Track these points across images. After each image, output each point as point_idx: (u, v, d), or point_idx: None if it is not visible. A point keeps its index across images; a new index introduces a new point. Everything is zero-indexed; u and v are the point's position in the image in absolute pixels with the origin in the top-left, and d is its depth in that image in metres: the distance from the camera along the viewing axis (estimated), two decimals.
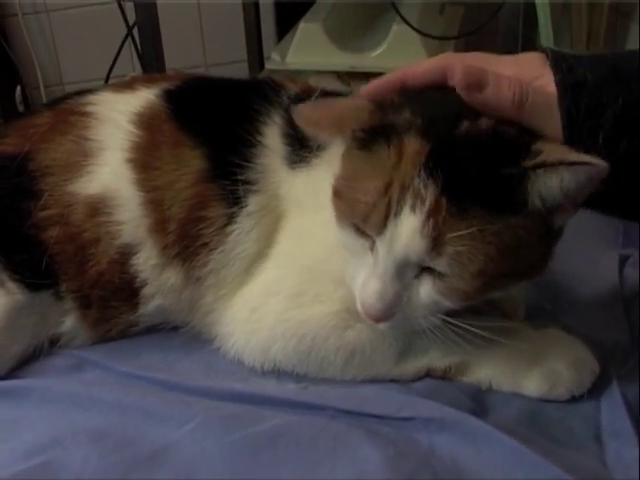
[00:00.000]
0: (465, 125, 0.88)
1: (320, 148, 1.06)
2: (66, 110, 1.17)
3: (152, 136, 1.10)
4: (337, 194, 0.94)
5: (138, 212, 1.08)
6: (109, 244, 1.08)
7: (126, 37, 2.45)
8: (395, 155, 0.88)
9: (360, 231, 0.92)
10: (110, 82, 2.44)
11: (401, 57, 2.01)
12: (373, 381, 1.06)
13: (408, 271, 0.90)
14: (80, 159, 1.11)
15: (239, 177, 1.07)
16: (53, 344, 1.14)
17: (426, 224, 0.86)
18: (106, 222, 1.08)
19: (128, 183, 1.09)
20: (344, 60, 2.16)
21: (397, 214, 0.87)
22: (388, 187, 0.87)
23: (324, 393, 1.03)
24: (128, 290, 1.10)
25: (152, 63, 2.08)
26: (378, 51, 2.14)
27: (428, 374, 1.06)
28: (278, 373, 1.08)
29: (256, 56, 2.63)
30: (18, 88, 2.74)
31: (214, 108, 1.13)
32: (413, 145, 0.87)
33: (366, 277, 0.92)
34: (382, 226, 0.88)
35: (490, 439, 0.91)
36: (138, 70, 2.56)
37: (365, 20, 2.31)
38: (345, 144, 0.95)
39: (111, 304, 1.11)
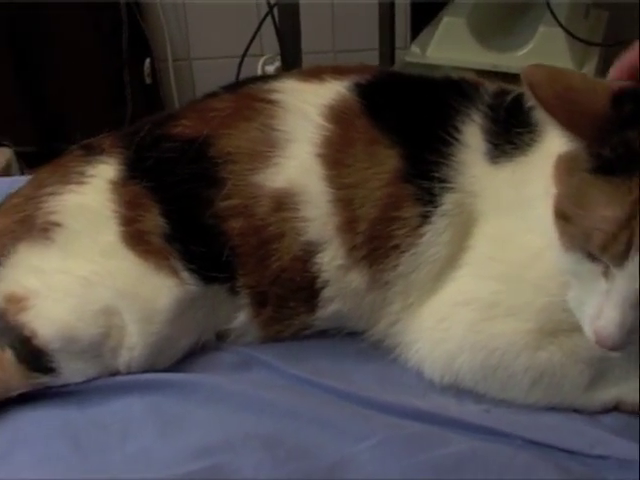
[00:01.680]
0: None
1: (528, 144, 0.99)
2: (249, 96, 1.11)
3: (344, 131, 1.04)
4: (563, 216, 0.86)
5: (326, 209, 1.02)
6: (293, 240, 1.02)
7: (266, 15, 2.41)
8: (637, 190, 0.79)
9: (592, 257, 0.84)
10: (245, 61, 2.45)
11: (546, 58, 1.88)
12: (554, 409, 0.98)
13: None
14: (265, 149, 1.05)
15: (435, 174, 1.00)
16: (219, 339, 1.09)
17: None
18: (292, 217, 1.02)
19: (317, 179, 1.03)
20: (486, 58, 2.09)
21: None
22: (630, 219, 0.79)
23: (509, 419, 0.96)
24: (308, 290, 1.04)
25: (290, 44, 2.05)
26: (523, 51, 2.07)
27: (616, 407, 0.98)
28: (456, 391, 1.01)
29: (388, 45, 2.56)
30: (147, 60, 2.78)
31: (408, 105, 1.06)
32: None
33: (600, 305, 0.84)
34: (624, 258, 0.80)
35: None
36: (268, 50, 2.53)
37: (509, 18, 2.24)
38: (567, 146, 0.87)
39: (288, 304, 1.05)
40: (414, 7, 2.67)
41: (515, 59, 2.05)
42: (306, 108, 1.07)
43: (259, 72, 2.53)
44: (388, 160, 1.02)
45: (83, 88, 2.73)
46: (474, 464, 0.89)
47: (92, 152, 1.12)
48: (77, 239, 1.05)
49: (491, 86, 1.08)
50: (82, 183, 1.08)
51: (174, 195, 1.05)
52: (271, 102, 1.08)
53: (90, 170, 1.09)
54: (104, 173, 1.08)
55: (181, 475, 0.88)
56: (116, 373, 1.02)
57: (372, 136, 1.03)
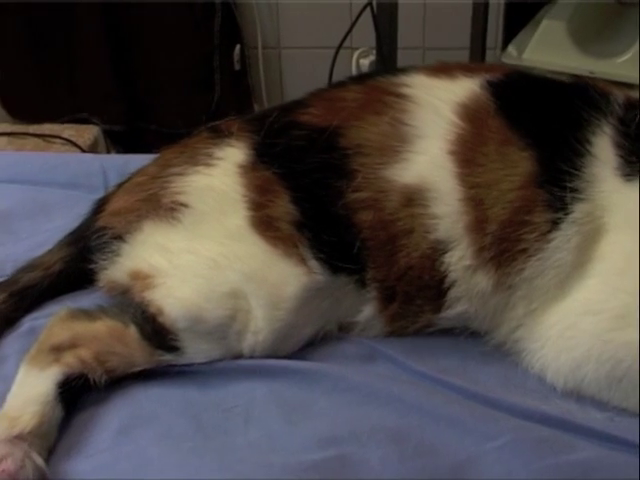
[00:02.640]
0: None
1: None
2: (379, 88, 1.10)
3: (478, 130, 1.03)
4: None
5: (456, 208, 1.01)
6: (422, 237, 1.02)
7: (364, 9, 2.38)
8: None
9: None
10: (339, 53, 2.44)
11: None
12: None
13: None
14: (396, 143, 1.04)
15: (567, 184, 0.99)
16: (340, 330, 1.08)
17: None
18: (421, 214, 1.02)
19: (449, 176, 1.02)
20: (584, 64, 2.04)
21: None
22: None
23: (634, 428, 0.93)
24: (435, 289, 1.03)
25: (387, 38, 2.07)
26: (623, 58, 2.02)
27: None
28: (578, 397, 0.99)
29: (479, 45, 2.52)
30: (238, 47, 2.79)
31: (540, 108, 1.05)
32: None
33: None
34: None
35: None
36: (358, 43, 2.51)
37: (610, 24, 2.18)
38: None
39: (415, 302, 1.04)
40: (508, 7, 2.64)
41: (614, 66, 2.01)
42: (438, 104, 1.06)
43: (353, 65, 2.52)
44: (521, 163, 1.01)
45: (173, 71, 2.75)
46: (601, 473, 0.87)
47: (220, 135, 1.12)
48: (204, 221, 1.05)
49: (619, 95, 1.07)
50: (210, 165, 1.09)
51: (304, 183, 1.05)
52: (401, 96, 1.08)
53: (218, 153, 1.10)
54: (233, 156, 1.08)
55: (308, 463, 0.88)
56: (239, 356, 1.03)
57: (505, 137, 1.02)
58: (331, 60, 2.44)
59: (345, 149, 1.05)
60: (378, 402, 0.95)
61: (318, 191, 1.04)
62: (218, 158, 1.09)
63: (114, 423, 0.97)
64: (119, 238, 1.08)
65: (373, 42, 2.32)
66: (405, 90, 1.08)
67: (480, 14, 2.48)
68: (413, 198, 1.02)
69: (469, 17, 2.45)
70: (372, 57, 2.43)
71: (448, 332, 1.06)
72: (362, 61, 2.50)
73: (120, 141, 2.81)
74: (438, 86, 1.08)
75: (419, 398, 0.95)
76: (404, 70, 1.14)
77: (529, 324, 1.02)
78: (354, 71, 2.51)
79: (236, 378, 1.01)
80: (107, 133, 2.74)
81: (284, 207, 1.04)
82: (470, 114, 1.04)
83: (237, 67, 2.81)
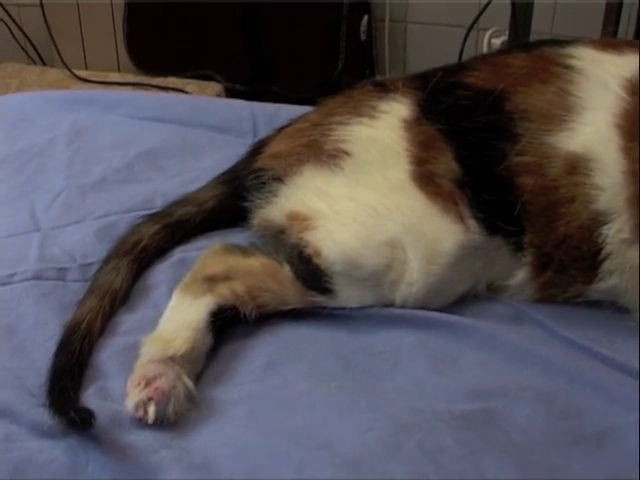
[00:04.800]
0: None
1: None
2: (546, 58, 1.11)
3: None
4: None
5: (619, 180, 1.00)
6: (583, 207, 1.02)
7: None
8: None
9: None
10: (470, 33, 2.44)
11: None
12: None
13: None
14: (561, 112, 1.05)
15: None
16: (490, 292, 1.09)
17: None
18: (584, 183, 1.01)
19: (614, 149, 1.01)
20: None
21: None
22: None
23: None
24: (590, 261, 1.03)
25: (522, 20, 2.07)
26: None
27: None
28: None
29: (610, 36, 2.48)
30: (365, 18, 2.79)
31: None
32: None
33: None
34: None
35: None
36: (490, 24, 2.50)
37: None
38: None
39: (569, 271, 1.04)
40: None
41: None
42: (606, 78, 1.06)
43: (485, 44, 2.51)
44: None
45: (300, 36, 2.77)
46: None
47: (385, 89, 1.14)
48: (366, 170, 1.07)
49: None
50: (374, 117, 1.10)
51: (469, 142, 1.06)
52: (569, 67, 1.08)
53: (383, 106, 1.11)
54: (397, 111, 1.10)
55: (456, 412, 0.89)
56: (390, 306, 1.04)
57: None
58: (454, 38, 2.46)
59: (510, 113, 1.05)
60: (526, 362, 0.96)
61: (481, 151, 1.05)
62: (382, 111, 1.11)
63: (261, 357, 1.00)
64: (278, 180, 1.11)
65: (501, 23, 2.31)
66: (572, 62, 1.08)
67: (613, 11, 2.44)
68: (577, 167, 1.02)
69: (601, 11, 2.42)
70: (504, 37, 2.42)
71: (595, 304, 1.06)
72: (494, 41, 2.49)
73: (242, 99, 2.83)
74: (606, 60, 1.08)
75: (567, 362, 0.96)
76: (570, 42, 1.14)
77: None
78: (485, 50, 2.49)
79: (385, 325, 1.02)
80: (229, 91, 2.77)
81: (446, 164, 1.05)
82: (637, 89, 1.03)
83: (363, 37, 2.81)
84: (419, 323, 1.02)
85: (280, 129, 1.21)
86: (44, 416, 0.87)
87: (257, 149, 1.20)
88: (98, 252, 1.15)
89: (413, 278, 1.02)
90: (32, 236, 1.21)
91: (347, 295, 1.03)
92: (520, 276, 1.06)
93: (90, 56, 2.96)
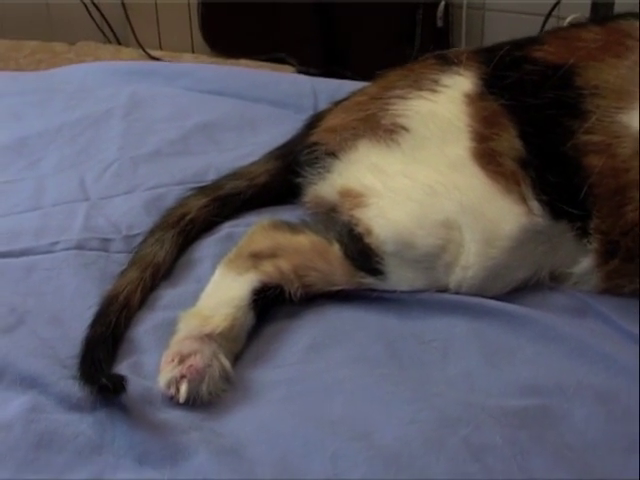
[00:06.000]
0: None
1: None
2: (621, 31, 1.03)
3: None
4: None
5: None
6: None
7: None
8: None
9: None
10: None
11: None
12: None
13: None
14: (635, 89, 0.97)
15: None
16: (552, 280, 1.01)
17: None
18: None
19: None
20: None
21: None
22: None
23: None
24: None
25: (603, 9, 2.04)
26: None
27: None
28: None
29: None
30: (442, 4, 2.72)
31: None
32: None
33: None
34: None
35: None
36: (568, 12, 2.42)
37: None
38: None
39: (637, 260, 0.97)
40: None
41: None
42: None
43: None
44: None
45: (375, 21, 2.72)
46: None
47: (447, 62, 1.08)
48: (424, 146, 1.02)
49: None
50: (435, 91, 1.05)
51: (534, 119, 0.99)
52: None
53: (445, 80, 1.06)
54: (460, 85, 1.05)
55: (508, 408, 0.83)
56: (443, 290, 0.98)
57: None
58: (532, 26, 2.35)
59: (580, 89, 0.99)
60: (587, 357, 0.89)
61: (547, 128, 0.98)
62: (444, 85, 1.05)
63: (305, 339, 0.95)
64: (332, 155, 1.06)
65: (581, 11, 2.22)
66: None
67: None
68: None
69: None
70: None
71: None
72: None
73: None
74: None
75: (631, 360, 0.88)
76: None
77: None
78: None
79: (437, 312, 0.97)
80: (302, 75, 2.73)
81: (510, 141, 0.99)
82: None
83: (439, 24, 2.74)
84: (473, 311, 0.96)
85: (337, 103, 1.16)
86: (74, 388, 0.85)
87: (313, 123, 1.16)
88: (145, 224, 1.12)
89: (469, 261, 0.96)
90: (79, 205, 1.19)
91: (398, 277, 0.97)
92: (585, 264, 0.99)
93: (165, 36, 2.96)
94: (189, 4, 2.87)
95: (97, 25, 2.90)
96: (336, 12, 2.72)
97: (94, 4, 2.85)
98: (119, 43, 2.97)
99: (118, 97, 1.48)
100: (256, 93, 1.49)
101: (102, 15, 2.89)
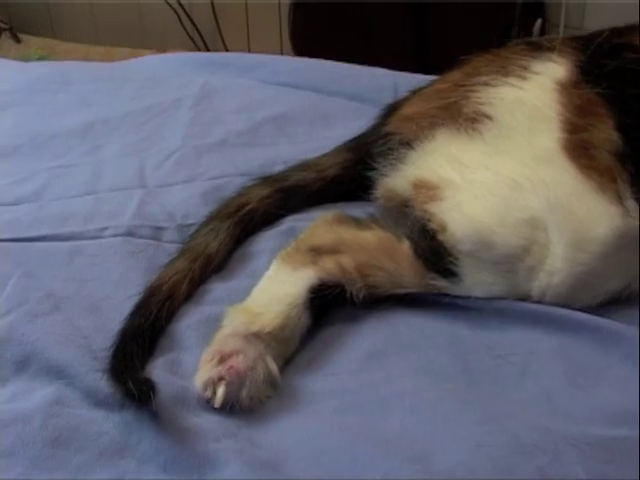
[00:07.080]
0: None
1: None
2: None
3: None
4: None
5: None
6: None
7: None
8: None
9: None
10: None
11: None
12: None
13: None
14: None
15: None
16: None
17: None
18: None
19: None
20: None
21: None
22: None
23: None
24: None
25: None
26: None
27: None
28: None
29: None
30: (539, 21, 2.64)
31: None
32: None
33: None
34: None
35: None
36: None
37: None
38: None
39: None
40: None
41: None
42: None
43: None
44: None
45: (469, 35, 2.63)
46: None
47: (539, 48, 1.00)
48: (509, 136, 0.93)
49: None
50: (524, 78, 0.96)
51: (634, 109, 0.90)
52: None
53: (536, 66, 0.97)
54: (552, 71, 0.96)
55: (593, 438, 0.73)
56: (524, 298, 0.88)
57: None
58: None
59: None
60: None
61: None
62: (535, 72, 0.96)
63: (364, 345, 0.87)
64: (406, 144, 0.98)
65: None
66: None
67: None
68: None
69: None
70: None
71: None
72: None
73: None
74: None
75: None
76: None
77: None
78: None
79: (517, 323, 0.87)
80: None
81: (606, 133, 0.89)
82: None
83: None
84: (558, 323, 0.86)
85: (416, 91, 1.09)
86: (102, 383, 0.79)
87: (389, 113, 1.08)
88: (201, 214, 1.05)
89: (555, 266, 0.86)
90: (135, 192, 1.13)
91: (473, 281, 0.88)
92: None
93: (254, 47, 2.94)
94: (280, 16, 2.86)
95: (188, 34, 2.92)
96: (431, 27, 2.69)
97: (186, 13, 2.86)
98: (208, 50, 2.96)
99: (189, 87, 1.43)
100: (333, 87, 1.42)
101: (192, 22, 2.90)
